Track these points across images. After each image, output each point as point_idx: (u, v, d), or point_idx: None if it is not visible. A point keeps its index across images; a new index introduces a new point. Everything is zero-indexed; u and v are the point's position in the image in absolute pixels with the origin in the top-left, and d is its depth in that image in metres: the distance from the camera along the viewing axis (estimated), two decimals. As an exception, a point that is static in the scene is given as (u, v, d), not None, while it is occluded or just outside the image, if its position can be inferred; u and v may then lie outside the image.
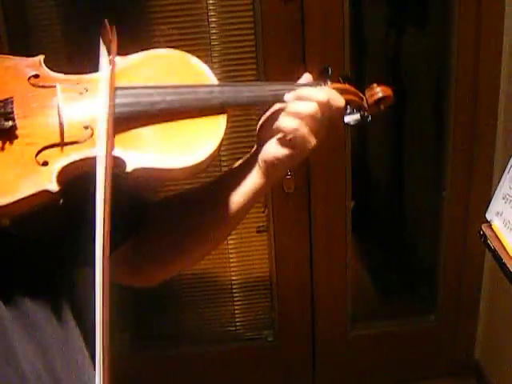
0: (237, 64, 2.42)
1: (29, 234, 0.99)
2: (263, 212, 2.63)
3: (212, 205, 1.17)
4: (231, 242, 2.70)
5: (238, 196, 1.14)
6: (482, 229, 1.33)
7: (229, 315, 2.88)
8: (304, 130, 1.07)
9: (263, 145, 1.11)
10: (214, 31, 2.37)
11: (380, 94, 1.22)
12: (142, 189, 1.21)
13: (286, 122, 1.07)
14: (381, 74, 3.42)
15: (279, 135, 1.09)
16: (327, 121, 1.10)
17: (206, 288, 2.81)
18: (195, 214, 1.18)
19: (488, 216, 1.35)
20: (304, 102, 1.08)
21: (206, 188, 1.20)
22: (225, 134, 1.05)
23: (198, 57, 1.10)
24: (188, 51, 1.10)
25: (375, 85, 1.23)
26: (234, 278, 2.79)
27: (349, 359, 2.94)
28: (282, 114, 1.09)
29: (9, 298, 0.94)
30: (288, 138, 1.08)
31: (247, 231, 2.69)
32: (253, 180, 1.13)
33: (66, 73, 1.02)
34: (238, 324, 2.91)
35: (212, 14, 2.35)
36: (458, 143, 2.58)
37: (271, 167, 1.11)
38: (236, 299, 2.85)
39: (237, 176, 1.15)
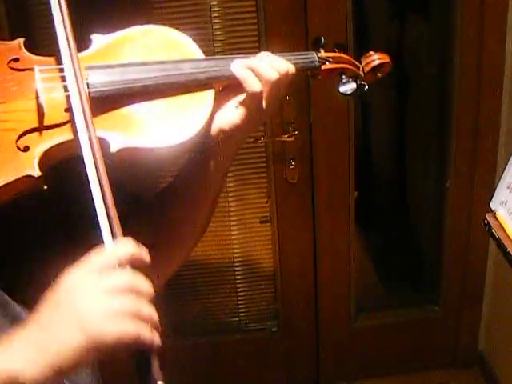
0: (239, 51, 2.40)
1: (17, 220, 0.98)
2: (266, 202, 2.63)
3: (177, 195, 1.16)
4: (234, 232, 2.70)
5: (192, 183, 1.13)
6: (486, 218, 1.33)
7: (232, 306, 2.88)
8: (258, 91, 1.05)
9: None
10: (216, 20, 2.36)
11: (377, 61, 1.20)
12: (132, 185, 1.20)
13: (250, 80, 1.06)
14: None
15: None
16: (277, 92, 1.08)
17: (209, 279, 2.81)
18: (170, 206, 1.17)
19: (492, 205, 1.34)
20: (265, 66, 1.06)
21: (175, 182, 1.19)
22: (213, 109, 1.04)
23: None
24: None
25: (372, 52, 1.21)
26: (237, 268, 2.79)
27: (352, 349, 2.94)
28: None
29: None
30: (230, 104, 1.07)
31: (251, 221, 2.69)
32: (208, 159, 1.10)
33: (48, 54, 0.99)
34: (241, 315, 2.91)
35: (214, 3, 2.34)
36: (461, 133, 2.57)
37: (219, 142, 1.08)
38: (239, 290, 2.85)
39: (188, 164, 1.13)
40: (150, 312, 0.82)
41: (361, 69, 1.21)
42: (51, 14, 0.95)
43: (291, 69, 1.10)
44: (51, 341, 0.78)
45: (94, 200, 0.86)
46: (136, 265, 0.84)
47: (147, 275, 0.85)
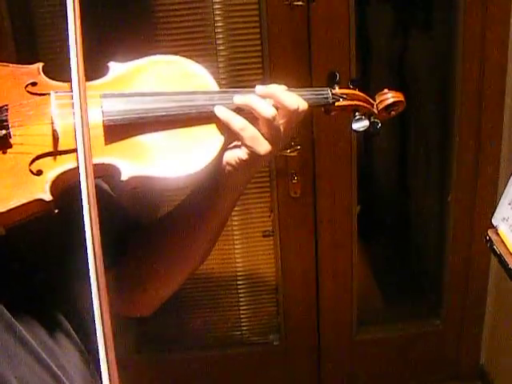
0: (243, 69, 2.43)
1: (26, 243, 0.99)
2: (269, 216, 2.63)
3: (186, 225, 1.15)
4: (237, 246, 2.71)
5: (201, 214, 1.12)
6: (488, 234, 1.33)
7: (235, 319, 2.88)
8: (251, 132, 1.03)
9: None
10: (220, 36, 2.37)
11: (391, 100, 1.19)
12: (133, 209, 1.20)
13: (232, 122, 1.03)
14: (386, 77, 3.42)
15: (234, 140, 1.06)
16: (286, 127, 1.06)
17: (211, 292, 2.81)
18: (175, 235, 1.16)
19: (494, 222, 1.35)
20: (261, 102, 1.04)
21: (178, 209, 1.18)
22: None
23: (203, 62, 1.09)
24: (194, 56, 1.09)
25: (386, 90, 1.20)
26: (239, 282, 2.79)
27: (354, 363, 2.94)
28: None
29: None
30: (239, 139, 1.04)
31: (253, 235, 2.69)
32: (212, 193, 1.10)
33: (65, 80, 1.00)
34: (243, 328, 2.91)
35: (218, 19, 2.35)
36: (463, 147, 2.58)
37: (226, 175, 1.07)
38: (242, 303, 2.85)
39: (197, 194, 1.13)
40: None
41: (375, 106, 1.19)
42: (67, 43, 0.95)
43: (302, 105, 1.07)
44: None
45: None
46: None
47: None
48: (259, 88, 1.07)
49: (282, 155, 2.46)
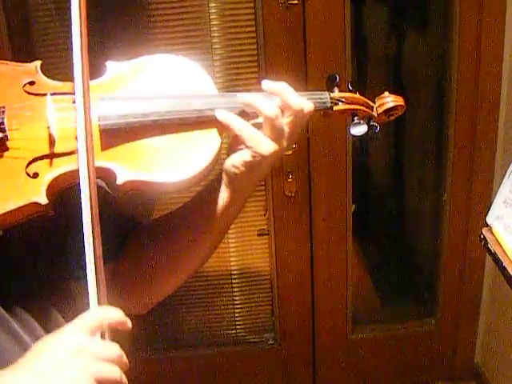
0: (238, 68, 2.43)
1: (22, 242, 0.99)
2: (264, 215, 2.63)
3: (185, 228, 1.14)
4: (232, 245, 2.71)
5: (209, 215, 1.11)
6: (482, 233, 1.34)
7: (230, 318, 2.88)
8: (249, 133, 1.03)
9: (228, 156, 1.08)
10: (215, 35, 2.37)
11: (391, 104, 1.18)
12: (131, 208, 1.20)
13: (232, 123, 1.04)
14: (382, 77, 3.43)
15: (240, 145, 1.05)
16: (291, 127, 1.06)
17: (206, 291, 2.81)
18: (177, 236, 1.16)
19: (488, 220, 1.35)
20: (264, 102, 1.04)
21: (178, 212, 1.18)
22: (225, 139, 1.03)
23: (199, 61, 1.09)
24: (189, 55, 1.09)
25: (387, 93, 1.19)
26: (234, 280, 2.80)
27: (349, 362, 2.94)
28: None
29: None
30: (241, 141, 1.04)
31: (248, 234, 2.69)
32: (220, 195, 1.09)
33: (62, 79, 1.00)
34: (238, 327, 2.91)
35: (214, 17, 2.35)
36: (458, 147, 2.58)
37: (232, 178, 1.07)
38: (237, 302, 2.85)
39: (205, 194, 1.12)
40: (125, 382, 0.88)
41: (374, 109, 1.18)
42: (70, 48, 0.94)
43: (308, 107, 1.07)
44: None
45: (84, 239, 0.89)
46: (116, 329, 0.89)
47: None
48: (266, 83, 1.07)
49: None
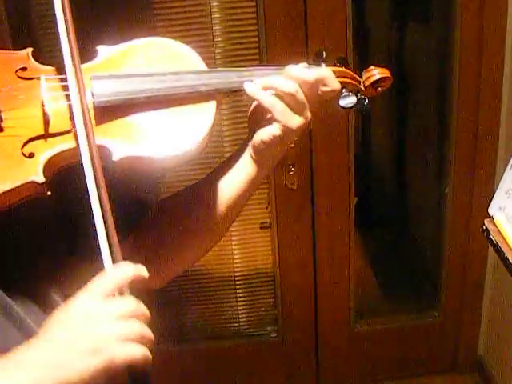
0: (240, 58, 2.42)
1: (21, 225, 0.99)
2: (266, 208, 2.63)
3: (209, 200, 1.16)
4: (235, 238, 2.71)
5: (234, 187, 1.14)
6: (484, 223, 1.33)
7: (232, 311, 2.89)
8: (281, 107, 1.07)
9: (252, 131, 1.12)
10: (216, 27, 2.37)
11: (378, 76, 1.20)
12: (142, 185, 1.20)
13: (263, 99, 1.07)
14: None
15: (264, 118, 1.09)
16: (313, 100, 1.10)
17: (209, 284, 2.81)
18: (195, 211, 1.17)
19: (491, 211, 1.35)
20: (281, 80, 1.07)
21: (203, 183, 1.20)
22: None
23: (200, 52, 1.10)
24: (191, 46, 1.09)
25: (373, 66, 1.21)
26: (237, 274, 2.80)
27: (352, 355, 2.94)
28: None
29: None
30: (269, 116, 1.08)
31: (251, 227, 2.69)
32: (246, 169, 1.14)
33: (55, 64, 1.01)
34: (241, 320, 2.91)
35: (215, 4, 2.35)
36: (460, 139, 2.58)
37: (260, 152, 1.11)
38: (239, 295, 2.86)
39: (230, 167, 1.15)
40: (150, 334, 0.90)
41: (361, 83, 1.21)
42: (56, 26, 0.96)
43: (319, 74, 1.11)
44: (62, 363, 0.82)
45: (94, 218, 0.89)
46: (136, 285, 0.89)
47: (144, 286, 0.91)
48: (287, 69, 1.09)
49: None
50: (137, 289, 0.90)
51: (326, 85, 1.11)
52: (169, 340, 2.89)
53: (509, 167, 1.33)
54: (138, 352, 0.86)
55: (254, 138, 1.10)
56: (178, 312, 2.86)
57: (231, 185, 1.15)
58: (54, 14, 0.96)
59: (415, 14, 3.21)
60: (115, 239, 0.89)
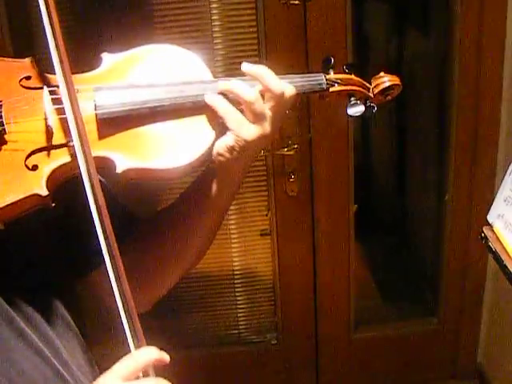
0: (239, 66, 2.42)
1: (25, 236, 0.99)
2: (266, 215, 2.64)
3: (185, 218, 1.14)
4: (235, 245, 2.71)
5: (203, 205, 1.11)
6: (483, 231, 1.34)
7: (232, 318, 2.88)
8: (235, 115, 1.04)
9: None
10: (216, 29, 2.37)
11: (387, 83, 1.18)
12: (132, 201, 1.20)
13: (218, 105, 1.04)
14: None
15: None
16: (273, 111, 1.06)
17: (209, 291, 2.81)
18: (176, 227, 1.16)
19: (489, 218, 1.35)
20: (242, 86, 1.05)
21: (179, 202, 1.18)
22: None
23: (200, 55, 1.10)
24: (190, 48, 1.10)
25: (382, 73, 1.19)
26: (237, 280, 2.80)
27: (351, 362, 2.94)
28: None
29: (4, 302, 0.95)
30: (225, 125, 1.04)
31: (251, 234, 2.70)
32: (210, 185, 1.10)
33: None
34: (241, 327, 2.91)
35: (215, 12, 2.35)
36: (460, 147, 2.58)
37: (219, 164, 1.07)
38: (239, 302, 2.85)
39: (196, 184, 1.13)
40: None
41: (370, 90, 1.18)
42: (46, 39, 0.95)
43: (289, 91, 1.06)
44: None
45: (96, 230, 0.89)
46: (157, 367, 0.95)
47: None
48: (246, 65, 1.08)
49: (279, 154, 2.46)
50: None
51: (276, 94, 1.05)
52: (168, 347, 2.88)
53: (507, 175, 1.34)
54: None
55: (212, 151, 1.06)
56: (177, 319, 2.86)
57: (198, 203, 1.12)
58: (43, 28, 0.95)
59: (414, 20, 3.22)
60: (138, 325, 0.95)
